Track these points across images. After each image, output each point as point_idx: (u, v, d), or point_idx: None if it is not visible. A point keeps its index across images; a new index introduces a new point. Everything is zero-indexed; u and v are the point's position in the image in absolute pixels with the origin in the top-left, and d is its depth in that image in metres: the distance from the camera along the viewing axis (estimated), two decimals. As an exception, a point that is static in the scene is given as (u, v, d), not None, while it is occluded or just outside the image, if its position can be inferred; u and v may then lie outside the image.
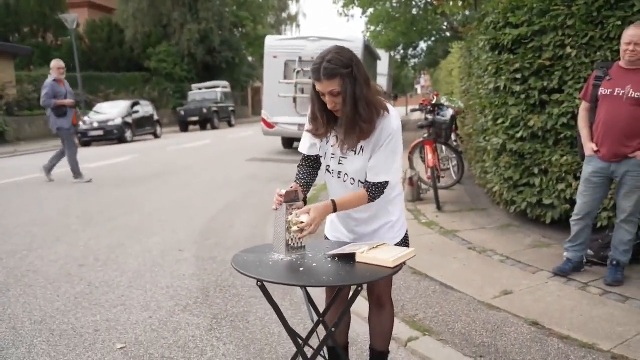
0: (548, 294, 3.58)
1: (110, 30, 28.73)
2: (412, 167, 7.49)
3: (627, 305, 3.35)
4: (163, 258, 4.65)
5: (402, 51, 28.34)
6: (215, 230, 5.64)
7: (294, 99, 11.57)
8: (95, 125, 17.53)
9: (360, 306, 2.96)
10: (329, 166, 2.20)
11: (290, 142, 13.43)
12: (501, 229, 5.28)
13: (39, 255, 4.77)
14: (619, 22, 4.01)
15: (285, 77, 11.64)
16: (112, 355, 2.93)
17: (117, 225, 5.82)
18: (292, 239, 2.02)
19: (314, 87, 2.02)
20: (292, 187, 2.10)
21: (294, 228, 1.94)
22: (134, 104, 19.29)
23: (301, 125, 11.66)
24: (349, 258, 1.93)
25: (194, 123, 24.29)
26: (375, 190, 2.09)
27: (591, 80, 3.67)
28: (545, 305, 3.39)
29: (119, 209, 6.67)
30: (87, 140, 17.54)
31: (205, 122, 24.41)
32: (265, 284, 1.87)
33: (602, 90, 3.55)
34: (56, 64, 8.53)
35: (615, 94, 3.47)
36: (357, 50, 11.47)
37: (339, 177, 2.18)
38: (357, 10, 23.52)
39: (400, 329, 3.09)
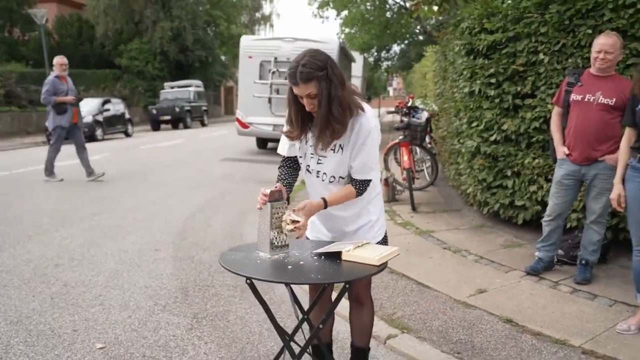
0: (521, 292, 3.70)
1: (80, 26, 28.14)
2: (387, 168, 7.59)
3: (595, 303, 3.49)
4: (140, 257, 4.62)
5: (375, 53, 28.63)
6: (192, 229, 5.62)
7: (269, 100, 11.58)
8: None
9: (341, 305, 2.99)
10: (308, 166, 2.25)
11: (264, 143, 13.43)
12: (475, 230, 5.41)
13: (11, 254, 4.67)
14: (590, 31, 4.16)
15: (261, 78, 11.64)
16: (92, 355, 2.90)
17: (92, 225, 5.74)
18: (276, 238, 2.06)
19: (291, 90, 2.07)
20: (276, 187, 2.14)
21: (289, 227, 1.98)
22: (105, 102, 18.93)
23: (276, 126, 11.69)
24: (335, 256, 1.97)
25: (166, 122, 23.98)
26: (362, 187, 2.18)
27: (563, 86, 3.81)
28: (519, 302, 3.50)
29: (93, 208, 6.57)
30: (56, 138, 17.13)
31: (178, 121, 24.13)
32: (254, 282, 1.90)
33: (573, 96, 3.68)
34: (59, 60, 8.21)
35: (586, 99, 3.61)
36: (333, 51, 11.55)
37: (317, 176, 2.23)
38: (332, 12, 23.65)
39: (379, 327, 3.14)
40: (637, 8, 3.89)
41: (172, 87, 25.93)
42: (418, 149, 7.55)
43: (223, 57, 36.69)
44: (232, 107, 41.07)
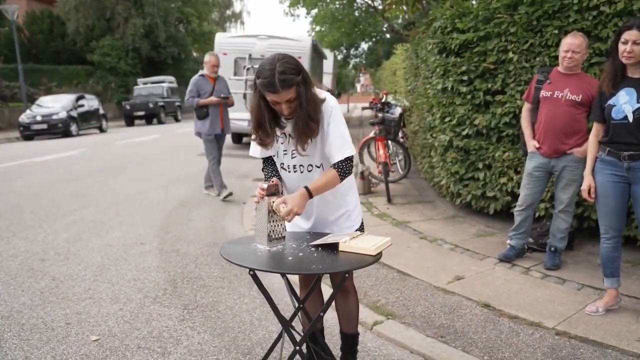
0: (495, 278, 3.92)
1: (51, 22, 27.55)
2: (362, 162, 7.77)
3: (565, 287, 3.73)
4: (126, 251, 4.66)
5: (344, 51, 28.91)
6: (175, 223, 5.67)
7: (244, 95, 11.62)
8: (39, 118, 17.01)
9: (326, 295, 3.14)
10: (282, 163, 2.32)
11: (239, 138, 13.50)
12: (448, 220, 5.64)
13: (-8, 251, 4.66)
14: (556, 31, 4.40)
15: (235, 74, 11.70)
16: (87, 348, 2.97)
17: (74, 220, 5.74)
18: (273, 231, 2.17)
19: (261, 97, 2.09)
20: (273, 181, 2.24)
21: (282, 210, 2.07)
22: (79, 98, 18.80)
23: (251, 121, 11.74)
24: (331, 248, 2.10)
25: (140, 117, 23.91)
26: (345, 167, 2.22)
27: (533, 83, 4.03)
28: (494, 288, 3.71)
29: (74, 204, 6.55)
30: (30, 134, 17.05)
31: (151, 116, 24.05)
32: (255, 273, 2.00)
33: (543, 93, 3.91)
34: (207, 58, 7.00)
35: (555, 96, 3.83)
36: (306, 49, 11.70)
37: (295, 171, 2.30)
38: (302, 11, 23.74)
39: (365, 314, 3.30)
40: (600, 10, 4.14)
41: (145, 83, 25.78)
42: (392, 143, 7.75)
43: (195, 54, 36.46)
44: (205, 103, 40.68)
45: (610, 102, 3.04)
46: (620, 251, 3.25)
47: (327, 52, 20.23)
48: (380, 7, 22.98)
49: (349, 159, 2.24)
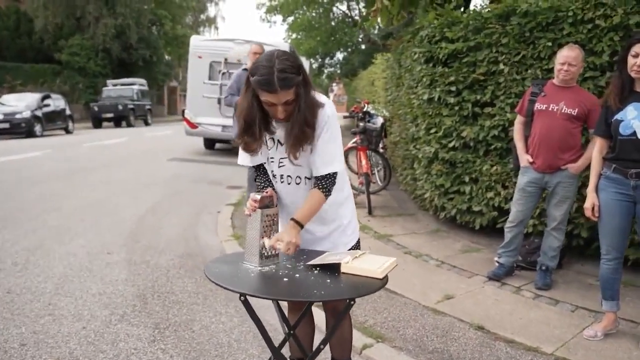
0: (486, 297, 3.74)
1: (17, 18, 26.54)
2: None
3: (558, 308, 3.57)
4: (91, 261, 4.32)
5: (319, 59, 28.86)
6: (144, 231, 5.34)
7: (219, 100, 11.32)
8: (1, 117, 16.21)
9: (319, 317, 2.90)
10: (272, 171, 2.11)
11: (212, 143, 13.17)
12: (431, 234, 5.46)
13: (-60, 260, 4.25)
14: (550, 43, 4.29)
15: (210, 78, 11.40)
16: (44, 373, 2.65)
17: (35, 226, 5.34)
18: (265, 248, 1.92)
19: (255, 98, 1.87)
20: (266, 192, 2.00)
21: (280, 246, 1.86)
22: (45, 97, 18.09)
23: (225, 127, 11.47)
24: (331, 268, 1.86)
25: (108, 120, 23.21)
26: (327, 183, 2.00)
27: (527, 95, 3.89)
28: (486, 308, 3.53)
29: (36, 208, 6.13)
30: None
31: (120, 119, 23.40)
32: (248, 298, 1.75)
33: (537, 106, 3.77)
34: (253, 47, 5.88)
35: (550, 109, 3.70)
36: (284, 55, 11.46)
37: (282, 181, 2.09)
38: (279, 17, 23.62)
39: (353, 336, 3.06)
40: (595, 24, 4.04)
41: (115, 85, 25.11)
42: (372, 154, 7.57)
43: (168, 57, 35.92)
44: (176, 107, 40.14)
45: (618, 117, 2.91)
46: (621, 273, 3.11)
47: (303, 59, 20.07)
48: (358, 18, 23.08)
49: (334, 175, 2.01)
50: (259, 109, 1.90)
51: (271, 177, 2.13)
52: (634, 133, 2.84)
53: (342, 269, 1.85)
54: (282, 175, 2.08)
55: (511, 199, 4.66)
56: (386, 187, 7.69)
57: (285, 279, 1.77)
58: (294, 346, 2.31)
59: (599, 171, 3.06)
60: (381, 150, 8.13)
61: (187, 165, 10.60)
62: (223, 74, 11.26)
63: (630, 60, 2.83)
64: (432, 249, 4.89)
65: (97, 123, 22.98)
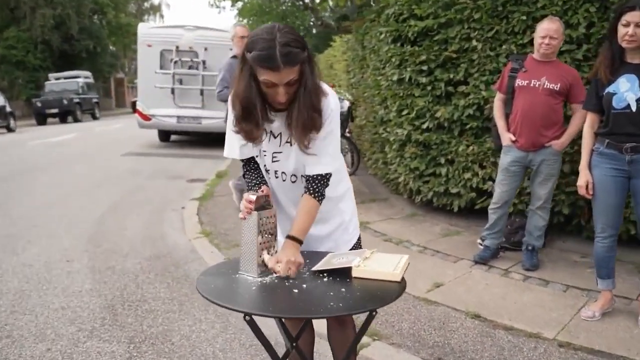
0: (476, 283, 3.62)
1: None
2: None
3: (550, 289, 3.49)
4: (49, 272, 3.95)
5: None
6: (105, 234, 4.97)
7: (172, 90, 10.87)
8: None
9: (317, 322, 2.69)
10: (265, 165, 1.86)
11: (167, 135, 12.69)
12: (408, 219, 5.33)
13: None
14: (524, 17, 4.17)
15: (162, 67, 10.91)
16: (7, 406, 2.34)
17: (-20, 237, 4.88)
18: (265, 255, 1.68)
19: (252, 76, 1.61)
20: (262, 191, 1.75)
21: (279, 268, 1.63)
22: (-19, 94, 16.93)
23: (180, 118, 11.03)
24: (340, 273, 1.65)
25: (53, 115, 22.00)
26: (320, 186, 1.77)
27: (506, 72, 3.76)
28: (478, 295, 3.41)
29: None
30: None
31: (66, 114, 22.23)
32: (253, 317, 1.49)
33: (518, 82, 3.64)
34: (240, 30, 5.29)
35: (532, 85, 3.58)
36: (237, 40, 11.07)
37: (277, 177, 1.85)
38: (228, 3, 23.00)
39: (347, 335, 2.87)
40: (571, -5, 3.94)
41: (57, 79, 23.82)
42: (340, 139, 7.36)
43: (112, 48, 34.45)
44: (124, 99, 38.72)
45: (610, 89, 2.79)
46: (615, 251, 3.03)
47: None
48: (308, 1, 22.69)
49: (328, 176, 1.78)
50: (258, 91, 1.64)
51: (264, 171, 1.88)
52: (628, 106, 2.73)
53: (354, 274, 1.63)
54: (275, 170, 1.84)
55: (489, 179, 4.59)
56: (355, 173, 7.52)
57: (294, 290, 1.53)
58: (295, 357, 2.09)
59: (591, 147, 2.95)
60: (348, 135, 7.93)
61: (143, 159, 10.11)
62: (175, 62, 10.80)
63: (621, 30, 2.71)
64: (412, 234, 4.75)
65: (42, 119, 21.73)
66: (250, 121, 1.69)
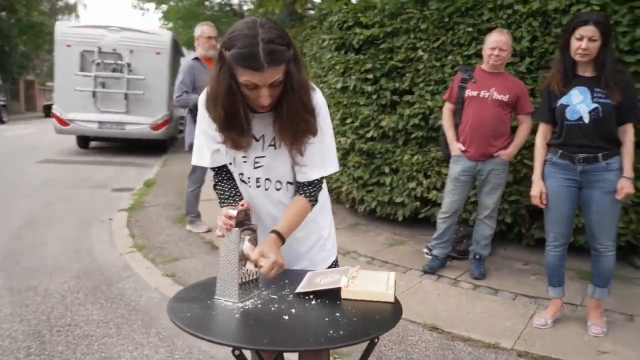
0: (428, 293, 3.59)
1: None
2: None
3: (499, 298, 3.52)
4: (-40, 297, 3.48)
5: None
6: (24, 250, 4.48)
7: (94, 94, 10.21)
8: None
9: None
10: (242, 174, 1.68)
11: (86, 141, 11.90)
12: (351, 229, 5.26)
13: None
14: (470, 29, 4.24)
15: (82, 69, 10.21)
16: None
17: None
18: (245, 275, 1.50)
19: (232, 77, 1.42)
20: (242, 205, 1.57)
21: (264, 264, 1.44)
22: None
23: (102, 123, 10.41)
24: (328, 295, 1.50)
25: (-46, 120, 20.12)
26: (314, 190, 1.64)
27: (456, 82, 3.78)
28: (432, 306, 3.37)
29: None
30: None
31: (-31, 118, 20.40)
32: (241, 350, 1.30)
33: (468, 92, 3.67)
34: (206, 30, 4.80)
35: (481, 95, 3.61)
36: (165, 44, 10.66)
37: (258, 185, 1.68)
38: (152, 5, 22.12)
39: None
40: (515, 9, 4.04)
41: None
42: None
43: (23, 47, 32.11)
44: (35, 103, 36.27)
45: (563, 101, 2.84)
46: (565, 259, 3.09)
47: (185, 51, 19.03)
48: (237, 6, 22.32)
49: (322, 180, 1.67)
50: (240, 93, 1.46)
51: (238, 181, 1.70)
52: (581, 118, 2.79)
53: (343, 295, 1.49)
54: (258, 178, 1.66)
55: (434, 188, 4.61)
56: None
57: (284, 317, 1.36)
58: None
59: (543, 158, 3.00)
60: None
61: (61, 167, 9.39)
62: (97, 64, 10.16)
63: (575, 44, 2.77)
64: (357, 245, 4.68)
65: (-60, 124, 19.94)
66: (235, 127, 1.50)
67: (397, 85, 4.70)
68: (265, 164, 1.63)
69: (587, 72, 2.82)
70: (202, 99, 1.61)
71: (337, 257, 1.89)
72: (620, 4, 3.65)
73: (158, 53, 10.49)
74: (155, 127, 10.59)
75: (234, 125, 1.50)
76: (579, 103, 2.80)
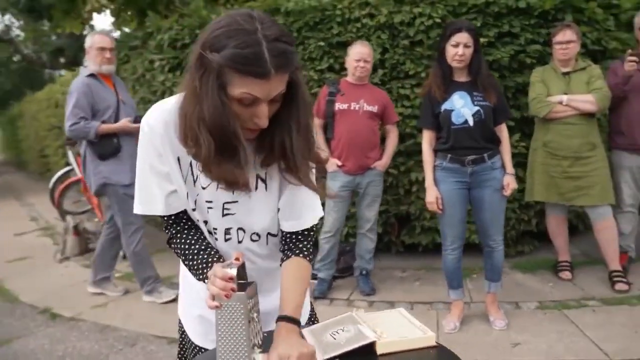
0: (327, 319, 3.36)
1: None
2: (64, 213, 6.09)
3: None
4: None
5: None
6: None
7: None
8: None
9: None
10: (206, 222, 1.27)
11: None
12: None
13: None
14: (322, 43, 4.16)
15: None
16: None
17: None
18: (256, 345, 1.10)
19: (222, 89, 1.03)
20: (236, 259, 1.11)
21: None
22: None
23: None
24: (356, 354, 1.18)
25: None
26: (309, 240, 1.31)
27: (323, 96, 3.66)
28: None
29: None
30: None
31: None
32: None
33: (338, 106, 3.57)
34: (98, 40, 3.66)
35: (352, 108, 3.55)
36: None
37: (226, 238, 1.27)
38: None
39: None
40: (363, 23, 4.08)
41: None
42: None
43: None
44: None
45: (446, 107, 2.90)
46: (461, 260, 3.16)
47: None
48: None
49: (314, 226, 1.32)
50: (232, 111, 1.05)
51: (206, 233, 1.26)
52: (466, 121, 2.87)
53: (379, 350, 1.19)
54: (228, 229, 1.25)
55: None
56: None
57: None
58: None
59: (432, 164, 3.02)
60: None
61: None
62: None
63: (451, 50, 2.84)
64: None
65: None
66: (230, 154, 1.08)
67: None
68: (238, 210, 1.24)
69: (462, 77, 2.92)
70: (150, 123, 1.16)
71: (312, 309, 1.55)
72: (456, 17, 3.92)
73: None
74: None
75: (231, 152, 1.08)
76: (462, 107, 2.88)
